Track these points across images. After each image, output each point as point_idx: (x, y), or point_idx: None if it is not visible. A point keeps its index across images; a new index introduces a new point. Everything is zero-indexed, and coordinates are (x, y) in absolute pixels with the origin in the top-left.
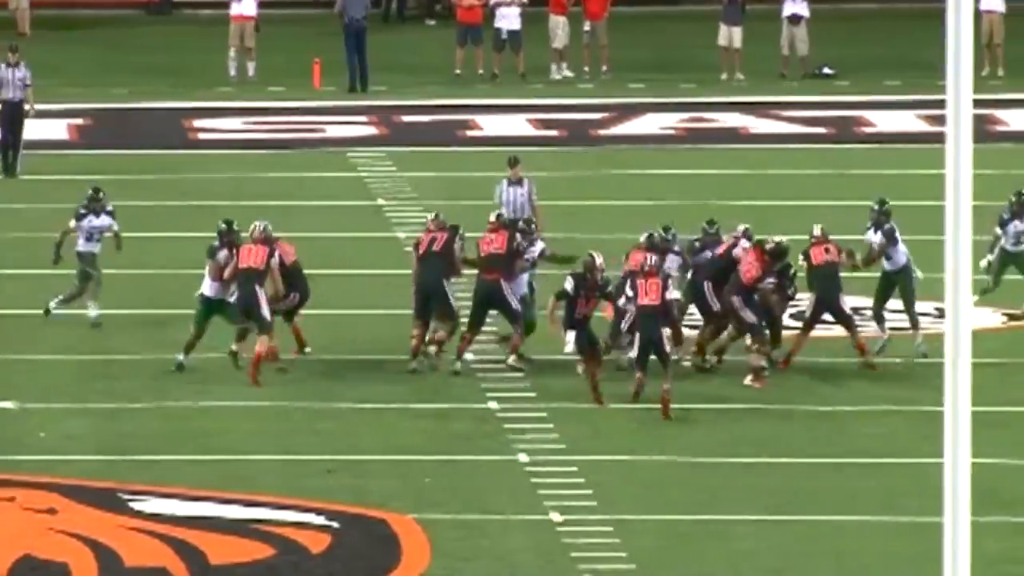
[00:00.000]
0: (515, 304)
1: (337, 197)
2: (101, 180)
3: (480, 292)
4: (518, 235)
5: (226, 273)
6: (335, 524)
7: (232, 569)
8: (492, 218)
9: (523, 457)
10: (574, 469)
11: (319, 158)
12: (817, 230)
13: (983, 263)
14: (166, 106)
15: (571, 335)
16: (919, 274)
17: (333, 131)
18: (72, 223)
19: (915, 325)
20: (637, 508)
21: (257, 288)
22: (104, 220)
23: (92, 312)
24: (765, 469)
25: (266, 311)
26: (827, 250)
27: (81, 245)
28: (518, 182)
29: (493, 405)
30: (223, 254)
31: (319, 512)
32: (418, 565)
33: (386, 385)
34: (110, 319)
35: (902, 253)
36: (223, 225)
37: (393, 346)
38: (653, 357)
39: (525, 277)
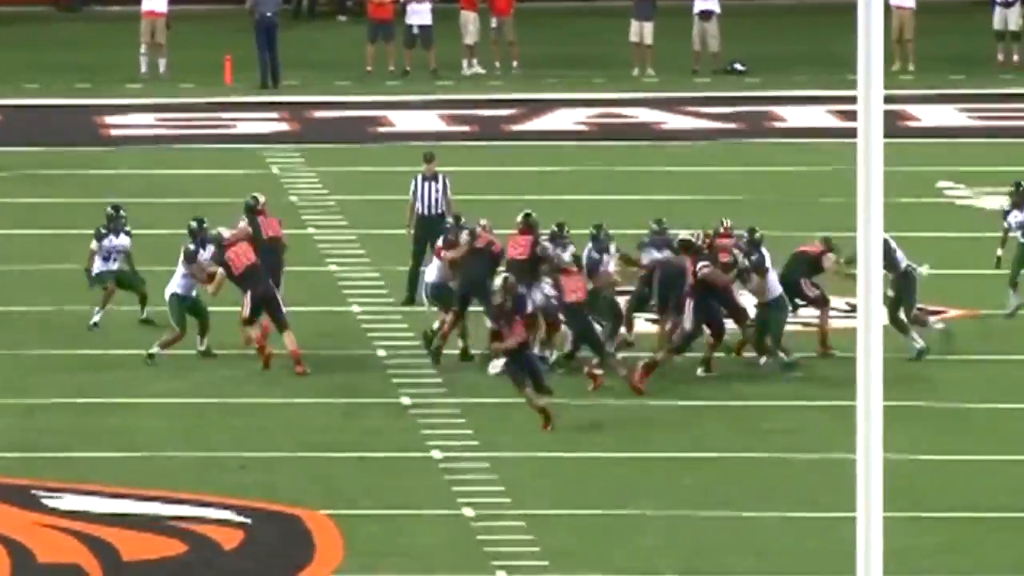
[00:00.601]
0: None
1: (250, 193)
2: (11, 176)
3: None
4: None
5: (214, 283)
6: (248, 520)
7: (144, 565)
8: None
9: (436, 453)
10: (487, 465)
11: (231, 154)
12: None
13: (996, 257)
14: (77, 103)
15: (498, 362)
16: (922, 270)
17: (244, 127)
18: (94, 244)
19: (915, 322)
20: (550, 503)
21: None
22: (124, 240)
23: (97, 316)
24: (680, 465)
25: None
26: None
27: (98, 266)
28: (433, 177)
29: (406, 400)
30: (207, 254)
31: (232, 508)
32: (332, 561)
33: (298, 380)
34: (23, 316)
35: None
36: (194, 223)
37: (309, 341)
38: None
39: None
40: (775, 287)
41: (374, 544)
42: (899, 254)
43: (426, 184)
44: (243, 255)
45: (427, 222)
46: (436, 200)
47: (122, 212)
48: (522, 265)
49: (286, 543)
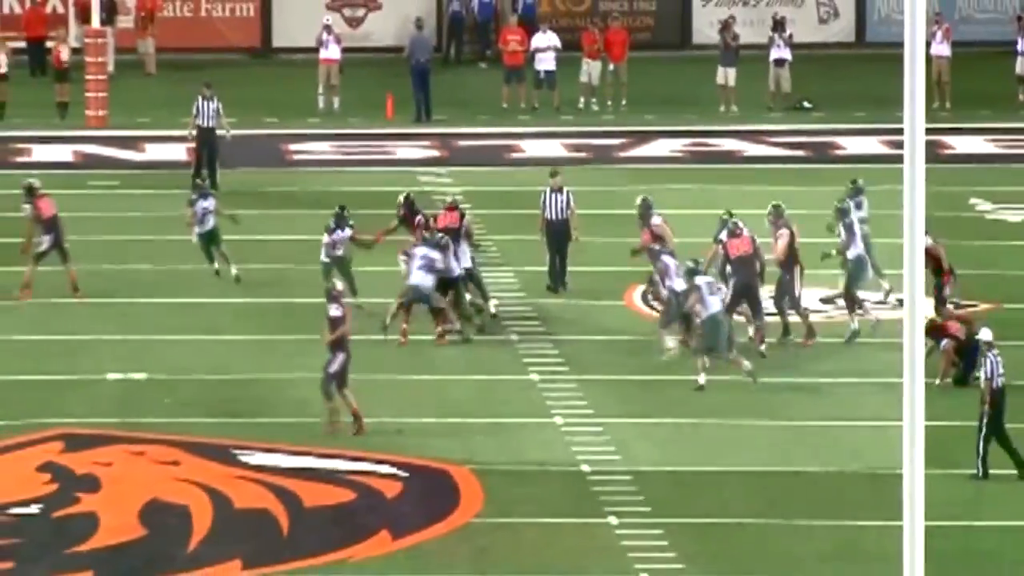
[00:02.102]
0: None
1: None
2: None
3: None
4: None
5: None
6: (405, 474)
7: (321, 510)
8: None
9: (558, 419)
10: (600, 429)
11: (391, 175)
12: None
13: None
14: (267, 133)
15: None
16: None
17: (402, 153)
18: (325, 237)
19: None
20: (651, 460)
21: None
22: (347, 232)
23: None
24: (754, 431)
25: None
26: (743, 242)
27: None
28: (558, 190)
29: (534, 376)
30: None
31: (393, 464)
32: (473, 507)
33: (447, 360)
34: (230, 308)
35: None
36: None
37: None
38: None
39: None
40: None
41: (507, 494)
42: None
43: (553, 196)
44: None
45: (555, 227)
46: (560, 209)
47: (346, 211)
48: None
49: (436, 493)
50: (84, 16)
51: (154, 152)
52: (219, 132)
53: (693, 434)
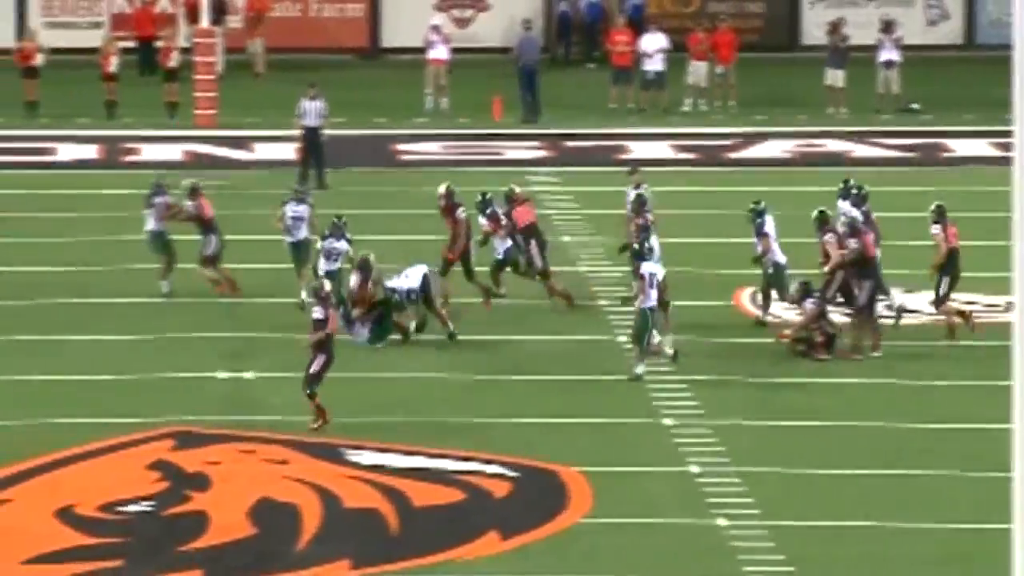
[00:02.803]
0: None
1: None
2: (323, 194)
3: None
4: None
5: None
6: (515, 474)
7: (430, 510)
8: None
9: (668, 420)
10: (710, 430)
11: (498, 175)
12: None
13: None
14: (377, 133)
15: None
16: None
17: (510, 154)
18: (319, 244)
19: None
20: (761, 462)
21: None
22: (343, 245)
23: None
24: (858, 432)
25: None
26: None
27: (322, 265)
28: (636, 187)
29: (644, 377)
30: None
31: (502, 464)
32: (583, 508)
33: (553, 362)
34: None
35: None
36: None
37: (562, 328)
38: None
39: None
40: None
41: (617, 494)
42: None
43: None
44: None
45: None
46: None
47: (344, 221)
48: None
49: (546, 493)
50: (193, 16)
51: (263, 151)
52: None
53: (803, 435)
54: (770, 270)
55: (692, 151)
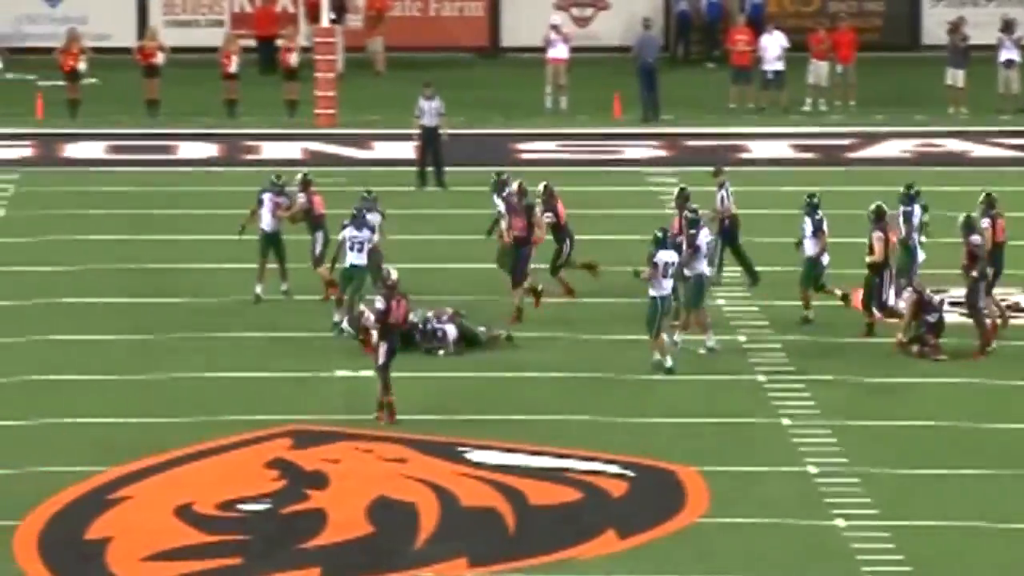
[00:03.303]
0: None
1: (633, 206)
2: (444, 193)
3: None
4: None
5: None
6: (631, 473)
7: (547, 509)
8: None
9: (786, 421)
10: (828, 431)
11: (617, 175)
12: None
13: None
14: (495, 132)
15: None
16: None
17: (629, 153)
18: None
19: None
20: (880, 463)
21: None
22: (374, 217)
23: (344, 320)
24: (986, 433)
25: None
26: None
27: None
28: (721, 187)
29: (761, 378)
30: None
31: (619, 463)
32: (700, 508)
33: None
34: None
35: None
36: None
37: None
38: None
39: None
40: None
41: (734, 494)
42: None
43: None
44: None
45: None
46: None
47: (374, 195)
48: None
49: (663, 492)
50: (313, 15)
51: (382, 150)
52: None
53: (921, 435)
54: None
55: (811, 151)
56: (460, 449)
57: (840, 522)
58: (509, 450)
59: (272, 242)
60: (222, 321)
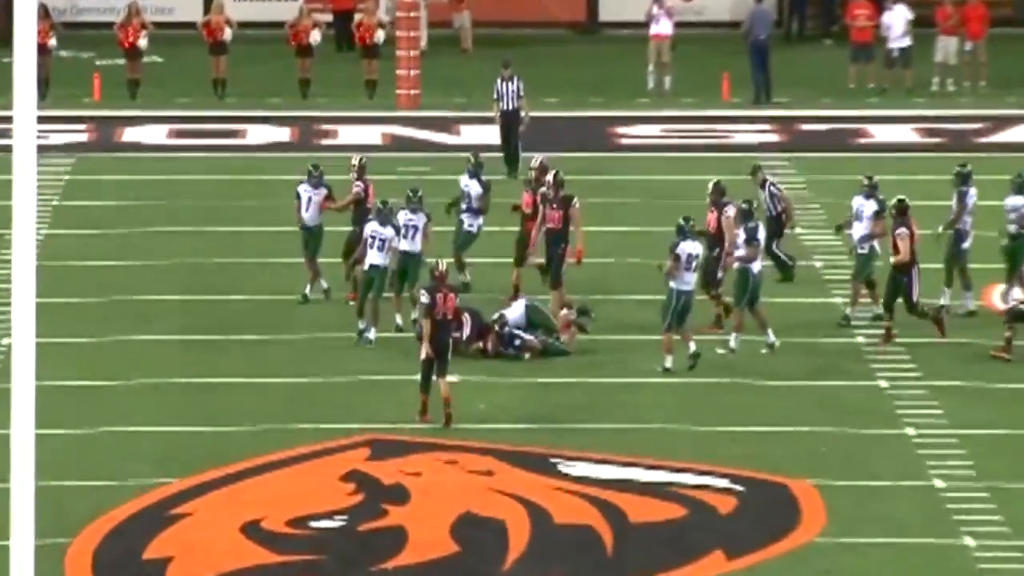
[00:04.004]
0: None
1: (744, 195)
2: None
3: None
4: None
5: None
6: (740, 488)
7: (649, 527)
8: None
9: (910, 431)
10: (955, 441)
11: (726, 162)
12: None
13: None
14: (592, 115)
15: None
16: None
17: (739, 138)
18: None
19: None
20: (1012, 476)
21: None
22: (390, 231)
23: (372, 334)
24: None
25: None
26: None
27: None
28: (763, 186)
29: (883, 383)
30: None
31: (727, 477)
32: (815, 526)
33: (781, 364)
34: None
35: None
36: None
37: (796, 331)
38: None
39: None
40: None
41: (852, 511)
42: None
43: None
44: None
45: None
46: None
47: (390, 208)
48: None
49: (775, 509)
50: None
51: (470, 135)
52: (521, 114)
53: None
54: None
55: (938, 135)
56: (553, 460)
57: (969, 541)
58: (606, 462)
59: (313, 235)
60: (289, 320)
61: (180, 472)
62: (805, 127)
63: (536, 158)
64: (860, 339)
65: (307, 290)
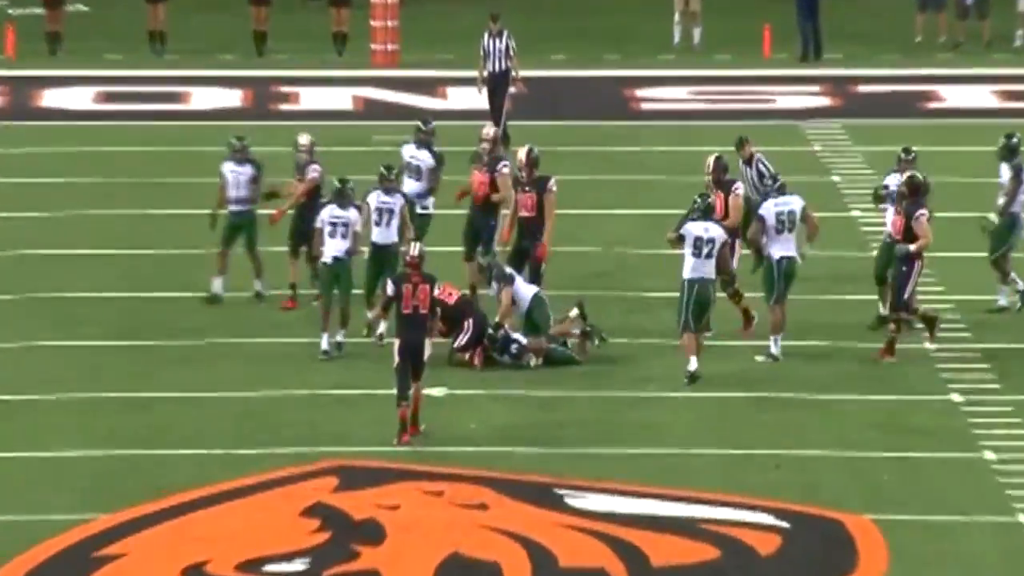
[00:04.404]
0: None
1: (788, 171)
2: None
3: None
4: None
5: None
6: (785, 524)
7: (675, 571)
8: None
9: (989, 455)
10: None
11: (769, 131)
12: None
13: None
14: (605, 74)
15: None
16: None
17: (784, 102)
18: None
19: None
20: None
21: None
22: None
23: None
24: None
25: None
26: None
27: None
28: (748, 163)
29: (956, 397)
30: None
31: (767, 510)
32: (876, 569)
33: (837, 374)
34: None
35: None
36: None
37: (850, 332)
38: None
39: None
40: None
41: (921, 551)
42: None
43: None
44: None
45: None
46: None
47: (351, 186)
48: None
49: (827, 549)
50: None
51: (457, 99)
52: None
53: None
54: None
55: (1020, 98)
56: (559, 491)
57: (1023, 518)
58: (622, 492)
59: (245, 223)
60: (242, 323)
61: (110, 505)
62: (863, 89)
63: (487, 127)
64: (928, 345)
65: (259, 287)
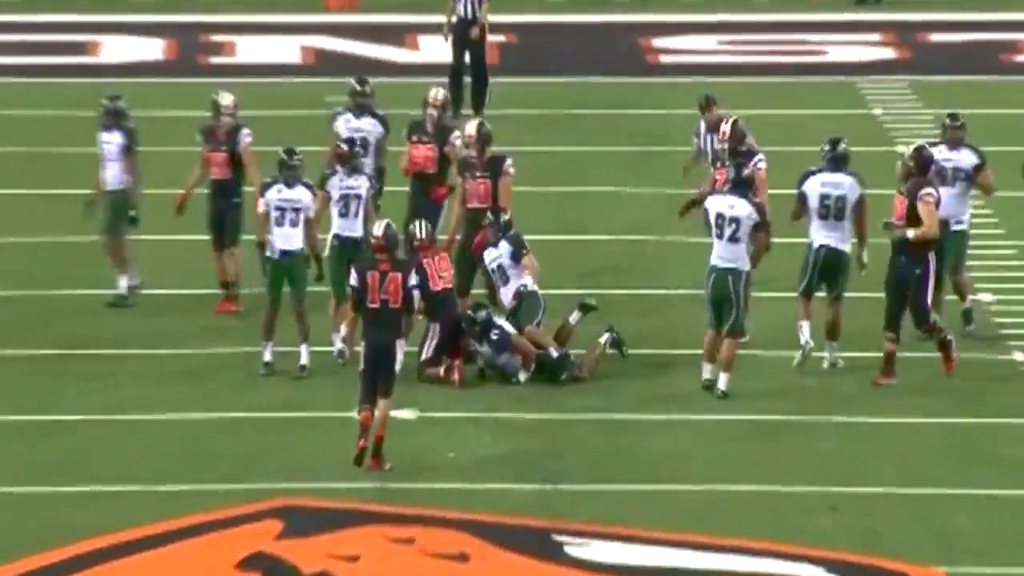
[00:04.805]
0: None
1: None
2: (518, 116)
3: None
4: None
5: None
6: None
7: None
8: None
9: None
10: None
11: (818, 89)
12: None
13: None
14: (616, 19)
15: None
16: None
17: (837, 53)
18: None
19: None
20: None
21: None
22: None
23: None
24: None
25: None
26: None
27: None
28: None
29: None
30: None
31: (817, 561)
32: None
33: (907, 396)
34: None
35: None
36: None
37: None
38: None
39: None
40: None
41: None
42: None
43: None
44: None
45: None
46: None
47: (299, 159)
48: None
49: None
50: None
51: (430, 51)
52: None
53: None
54: None
55: None
56: (557, 538)
57: None
58: (633, 539)
59: (118, 204)
60: (171, 331)
61: (8, 553)
62: (934, 38)
63: (435, 89)
64: (1019, 355)
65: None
